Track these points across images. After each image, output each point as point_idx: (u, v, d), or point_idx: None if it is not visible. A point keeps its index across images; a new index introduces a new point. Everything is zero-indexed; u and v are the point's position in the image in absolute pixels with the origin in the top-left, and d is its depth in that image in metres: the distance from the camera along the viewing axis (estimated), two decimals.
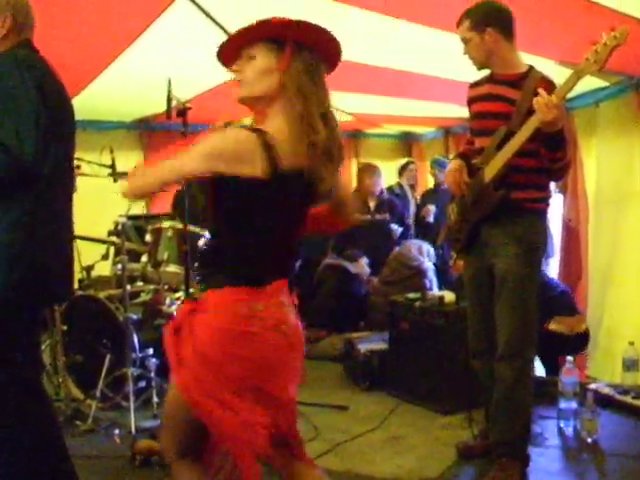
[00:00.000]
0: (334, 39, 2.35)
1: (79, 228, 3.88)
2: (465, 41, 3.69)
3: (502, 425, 3.71)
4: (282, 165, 2.19)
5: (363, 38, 4.65)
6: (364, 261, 7.40)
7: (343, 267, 7.36)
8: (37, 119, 2.62)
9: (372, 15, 4.44)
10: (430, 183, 8.92)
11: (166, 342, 2.29)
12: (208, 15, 4.76)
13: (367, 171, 7.81)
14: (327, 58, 2.39)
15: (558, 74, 3.77)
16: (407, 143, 10.26)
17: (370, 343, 5.79)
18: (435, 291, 6.43)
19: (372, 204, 7.73)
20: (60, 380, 4.87)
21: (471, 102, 3.90)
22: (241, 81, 2.35)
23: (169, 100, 4.18)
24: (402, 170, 8.72)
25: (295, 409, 2.45)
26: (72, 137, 3.01)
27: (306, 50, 2.32)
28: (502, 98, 3.64)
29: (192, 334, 2.22)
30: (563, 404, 4.60)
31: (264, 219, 2.28)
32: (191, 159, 2.16)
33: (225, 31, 4.99)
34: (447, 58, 4.68)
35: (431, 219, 7.94)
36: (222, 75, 6.45)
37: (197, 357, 2.20)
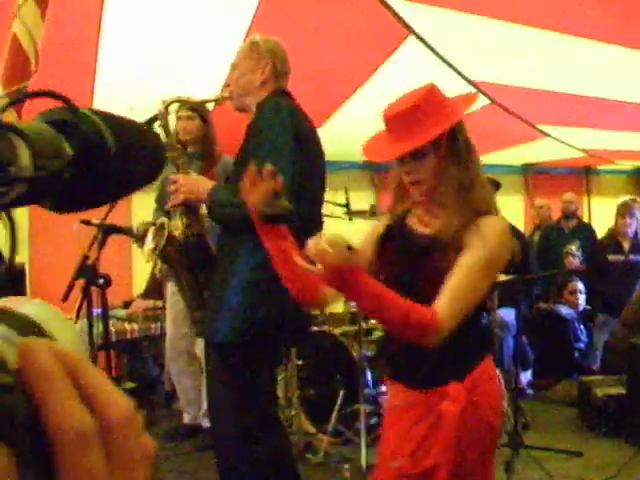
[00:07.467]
0: None
1: None
2: None
3: None
4: None
5: (602, 72, 4.53)
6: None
7: (554, 311, 7.18)
8: (294, 170, 2.73)
9: (608, 47, 4.33)
10: None
11: None
12: (436, 53, 4.83)
13: (619, 209, 7.35)
14: None
15: None
16: None
17: (607, 387, 5.55)
18: None
19: (626, 244, 7.25)
20: (292, 413, 5.03)
21: None
22: None
23: None
24: None
25: None
26: (323, 181, 3.13)
27: None
28: None
29: None
30: None
31: None
32: None
33: (453, 69, 5.03)
34: None
35: None
36: None
37: None
